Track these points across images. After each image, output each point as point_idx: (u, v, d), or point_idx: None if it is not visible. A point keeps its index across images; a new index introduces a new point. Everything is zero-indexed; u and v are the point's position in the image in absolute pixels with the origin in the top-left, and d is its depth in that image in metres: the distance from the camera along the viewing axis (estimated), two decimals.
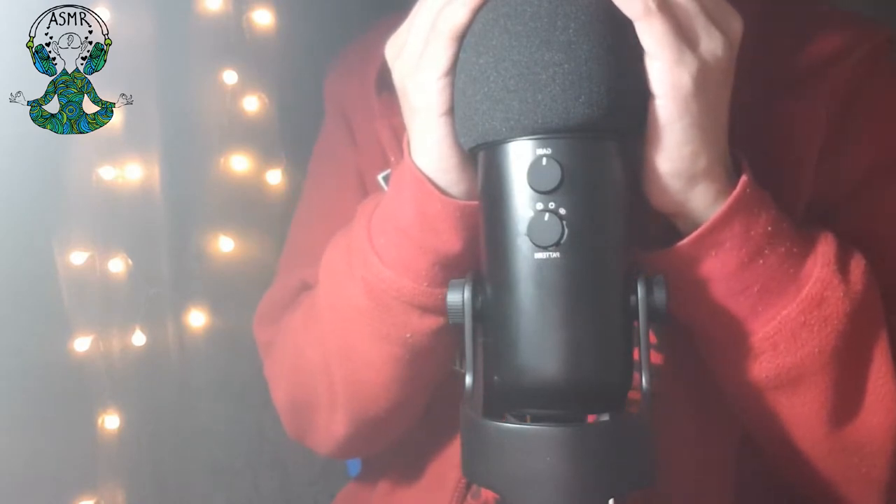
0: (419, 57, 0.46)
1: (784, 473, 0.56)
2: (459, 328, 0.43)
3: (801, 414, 0.50)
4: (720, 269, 0.46)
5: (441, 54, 0.44)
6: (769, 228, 0.46)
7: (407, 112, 0.49)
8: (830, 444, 0.50)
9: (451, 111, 0.46)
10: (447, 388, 0.60)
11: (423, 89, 0.46)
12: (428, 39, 0.45)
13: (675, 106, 0.42)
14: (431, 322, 0.54)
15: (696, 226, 0.46)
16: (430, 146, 0.48)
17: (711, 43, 0.43)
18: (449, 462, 0.61)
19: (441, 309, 0.52)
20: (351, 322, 0.57)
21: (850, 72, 0.54)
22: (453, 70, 0.45)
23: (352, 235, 0.56)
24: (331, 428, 0.63)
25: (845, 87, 0.55)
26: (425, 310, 0.53)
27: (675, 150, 0.43)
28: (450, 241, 0.50)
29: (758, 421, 0.53)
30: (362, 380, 0.58)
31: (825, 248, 0.48)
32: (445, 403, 0.61)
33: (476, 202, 0.47)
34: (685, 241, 0.46)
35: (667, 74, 0.41)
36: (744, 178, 0.45)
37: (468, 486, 0.60)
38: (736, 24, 0.45)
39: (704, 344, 0.52)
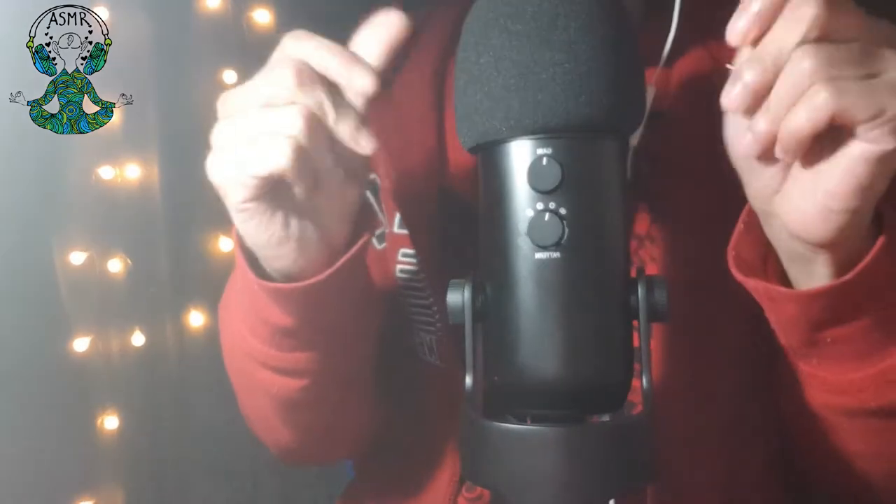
0: (244, 145, 0.45)
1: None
2: (459, 326, 0.43)
3: None
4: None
5: (271, 159, 0.43)
6: None
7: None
8: None
9: (260, 196, 0.45)
10: (432, 383, 0.61)
11: (234, 181, 0.45)
12: (258, 137, 0.44)
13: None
14: (288, 382, 0.54)
15: (849, 257, 0.42)
16: (244, 226, 0.47)
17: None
18: (441, 458, 0.61)
19: (297, 371, 0.53)
20: (235, 363, 0.59)
21: None
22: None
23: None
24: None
25: None
26: (276, 371, 0.53)
27: (867, 184, 0.38)
28: (278, 317, 0.50)
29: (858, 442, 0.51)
30: (261, 421, 0.62)
31: None
32: (431, 399, 0.61)
33: (297, 284, 0.48)
34: (867, 261, 0.41)
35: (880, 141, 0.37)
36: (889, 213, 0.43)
37: (461, 481, 0.60)
38: None
39: (829, 371, 0.48)
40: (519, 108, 0.40)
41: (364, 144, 0.45)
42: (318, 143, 0.44)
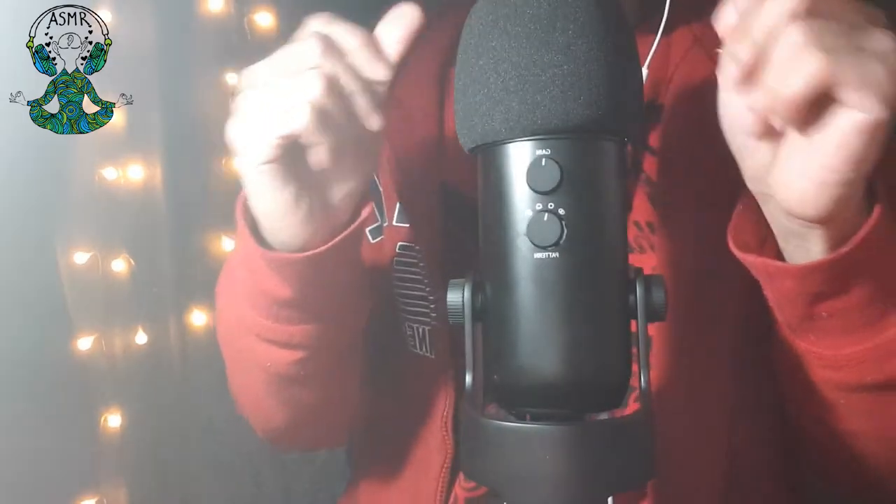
0: (269, 107, 0.46)
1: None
2: (461, 328, 0.43)
3: None
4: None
5: (292, 120, 0.45)
6: None
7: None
8: None
9: (278, 158, 0.46)
10: (421, 375, 0.61)
11: (256, 141, 0.46)
12: (279, 100, 0.46)
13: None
14: (284, 355, 0.55)
15: (843, 232, 0.42)
16: (257, 190, 0.48)
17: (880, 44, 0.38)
18: (431, 447, 0.61)
19: (293, 344, 0.54)
20: (231, 340, 0.60)
21: None
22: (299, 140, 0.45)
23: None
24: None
25: None
26: (273, 343, 0.54)
27: (860, 155, 0.38)
28: (277, 288, 0.51)
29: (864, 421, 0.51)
30: (253, 400, 0.62)
31: None
32: (420, 391, 0.61)
33: (298, 254, 0.49)
34: (864, 232, 0.42)
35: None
36: (880, 184, 0.43)
37: (453, 471, 0.61)
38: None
39: (832, 348, 0.48)
40: (518, 109, 0.40)
41: (373, 121, 0.48)
42: (335, 108, 0.46)
